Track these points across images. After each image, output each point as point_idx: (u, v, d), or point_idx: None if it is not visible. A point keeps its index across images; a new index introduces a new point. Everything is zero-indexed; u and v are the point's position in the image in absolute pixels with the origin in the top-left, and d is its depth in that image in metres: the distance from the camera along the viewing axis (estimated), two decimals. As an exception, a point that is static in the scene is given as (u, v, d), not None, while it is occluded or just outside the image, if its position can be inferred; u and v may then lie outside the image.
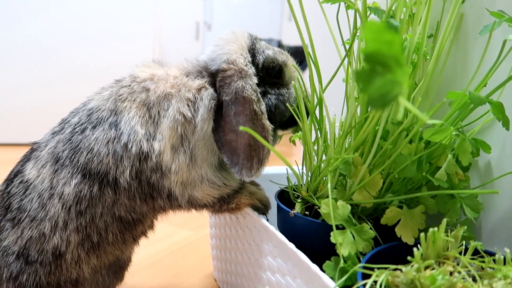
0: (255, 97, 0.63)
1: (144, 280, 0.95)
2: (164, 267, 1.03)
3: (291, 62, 0.72)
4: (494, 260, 0.47)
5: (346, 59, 0.64)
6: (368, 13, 0.56)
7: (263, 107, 0.64)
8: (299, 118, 0.66)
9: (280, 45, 3.56)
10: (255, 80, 0.64)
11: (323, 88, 0.65)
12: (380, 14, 0.55)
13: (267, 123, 0.64)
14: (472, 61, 0.64)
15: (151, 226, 0.73)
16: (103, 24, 2.33)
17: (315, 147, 0.69)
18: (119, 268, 0.76)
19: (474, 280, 0.44)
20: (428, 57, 0.59)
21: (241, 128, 0.44)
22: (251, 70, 0.65)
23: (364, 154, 0.60)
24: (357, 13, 0.57)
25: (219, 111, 0.65)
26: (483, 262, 0.46)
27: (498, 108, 0.53)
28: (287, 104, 0.69)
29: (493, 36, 0.56)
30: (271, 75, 0.70)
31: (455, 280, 0.40)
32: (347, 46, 0.66)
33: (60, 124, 0.68)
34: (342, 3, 0.63)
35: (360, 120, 0.59)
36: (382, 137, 0.58)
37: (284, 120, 0.72)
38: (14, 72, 2.18)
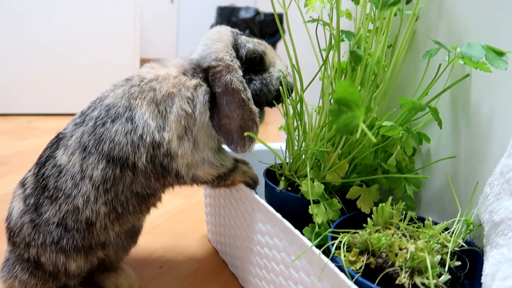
0: (241, 87, 0.76)
1: (149, 242, 1.12)
2: (164, 231, 1.20)
3: (269, 50, 0.85)
4: (423, 224, 0.66)
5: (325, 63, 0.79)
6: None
7: (249, 94, 0.78)
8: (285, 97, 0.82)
9: (257, 12, 3.62)
10: (240, 72, 0.78)
11: (303, 89, 0.80)
12: (350, 37, 0.70)
13: (254, 107, 0.77)
14: (421, 70, 0.81)
15: (160, 199, 0.89)
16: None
17: (296, 136, 0.85)
18: (134, 233, 0.93)
19: (411, 238, 0.63)
20: (386, 69, 0.75)
21: (245, 134, 0.59)
22: (237, 64, 0.78)
23: (335, 144, 0.77)
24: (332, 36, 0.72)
25: (213, 100, 0.78)
26: (416, 225, 0.65)
27: (435, 112, 0.70)
28: (270, 86, 0.83)
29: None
30: (254, 64, 0.83)
31: (393, 240, 0.58)
32: (324, 54, 0.81)
33: (81, 116, 0.80)
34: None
35: (331, 121, 0.75)
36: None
37: (270, 99, 0.85)
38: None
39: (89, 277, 0.90)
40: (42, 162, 0.80)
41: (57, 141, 0.80)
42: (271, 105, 0.87)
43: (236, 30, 0.85)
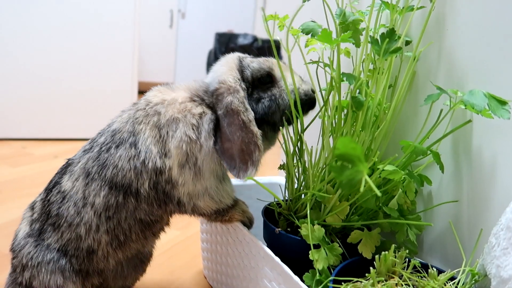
0: (242, 108, 0.74)
1: (144, 278, 1.07)
2: (158, 265, 1.17)
3: (277, 65, 0.80)
4: (427, 272, 0.64)
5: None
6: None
7: (251, 116, 0.75)
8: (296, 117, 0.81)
9: (255, 39, 3.67)
10: (242, 93, 0.75)
11: (303, 129, 0.79)
12: (351, 80, 0.69)
13: (255, 129, 0.74)
14: (421, 110, 0.80)
15: (168, 223, 0.87)
16: (84, 16, 2.35)
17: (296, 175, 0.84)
18: (140, 262, 0.91)
19: (413, 288, 0.61)
20: (387, 111, 0.75)
21: (246, 179, 0.57)
22: (239, 85, 0.76)
23: (335, 186, 0.76)
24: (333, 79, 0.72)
25: (218, 124, 0.76)
26: (419, 275, 0.63)
27: (436, 156, 0.69)
28: (279, 101, 0.79)
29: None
30: (264, 82, 0.80)
31: (397, 293, 0.56)
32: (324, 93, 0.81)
33: (90, 143, 0.80)
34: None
35: (331, 162, 0.74)
36: (350, 174, 0.73)
37: (284, 116, 0.80)
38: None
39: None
40: (50, 188, 0.80)
41: (66, 166, 0.81)
42: (289, 122, 0.81)
43: (244, 55, 0.84)
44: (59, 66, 2.33)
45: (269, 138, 0.83)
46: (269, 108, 0.79)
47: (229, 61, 0.81)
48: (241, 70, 0.80)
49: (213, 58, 3.83)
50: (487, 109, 0.61)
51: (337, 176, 0.44)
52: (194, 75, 4.22)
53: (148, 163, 0.73)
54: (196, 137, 0.74)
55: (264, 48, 3.59)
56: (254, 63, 0.81)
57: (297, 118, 0.79)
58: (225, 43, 3.57)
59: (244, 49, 3.53)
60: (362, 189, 0.46)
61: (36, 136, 2.36)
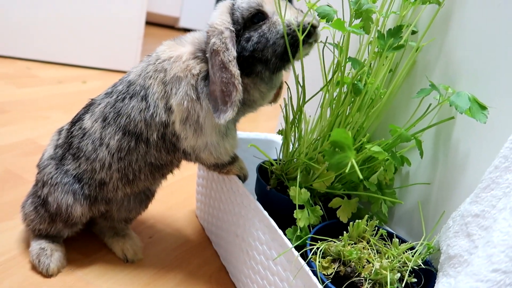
0: (222, 48, 0.74)
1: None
2: (155, 201, 1.28)
3: (266, 1, 0.78)
4: (391, 241, 0.75)
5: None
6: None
7: (231, 56, 0.74)
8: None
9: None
10: (226, 34, 0.75)
11: (304, 101, 0.86)
12: (355, 65, 0.76)
13: (234, 69, 0.74)
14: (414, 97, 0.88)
15: (178, 166, 0.96)
16: None
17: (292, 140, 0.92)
18: (145, 197, 1.02)
19: (378, 252, 0.73)
20: (382, 96, 0.82)
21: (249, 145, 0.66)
22: (226, 27, 0.76)
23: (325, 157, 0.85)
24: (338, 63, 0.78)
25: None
26: (384, 242, 0.75)
27: (419, 143, 0.78)
28: (268, 35, 0.76)
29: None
30: (257, 21, 0.78)
31: (363, 255, 0.67)
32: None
33: (112, 87, 0.88)
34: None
35: (325, 134, 0.83)
36: (340, 148, 0.82)
37: (278, 52, 0.78)
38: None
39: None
40: (74, 121, 0.90)
41: (89, 105, 0.90)
42: (283, 59, 0.79)
43: None
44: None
45: (266, 80, 0.83)
46: (258, 43, 0.77)
47: (222, 5, 0.81)
48: (232, 13, 0.79)
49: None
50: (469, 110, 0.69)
51: (328, 159, 0.52)
52: (201, 9, 4.13)
53: (156, 116, 0.81)
54: (197, 97, 0.79)
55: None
56: (244, 3, 0.79)
57: (292, 53, 0.77)
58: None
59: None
60: (347, 170, 0.55)
61: (41, 58, 2.37)
